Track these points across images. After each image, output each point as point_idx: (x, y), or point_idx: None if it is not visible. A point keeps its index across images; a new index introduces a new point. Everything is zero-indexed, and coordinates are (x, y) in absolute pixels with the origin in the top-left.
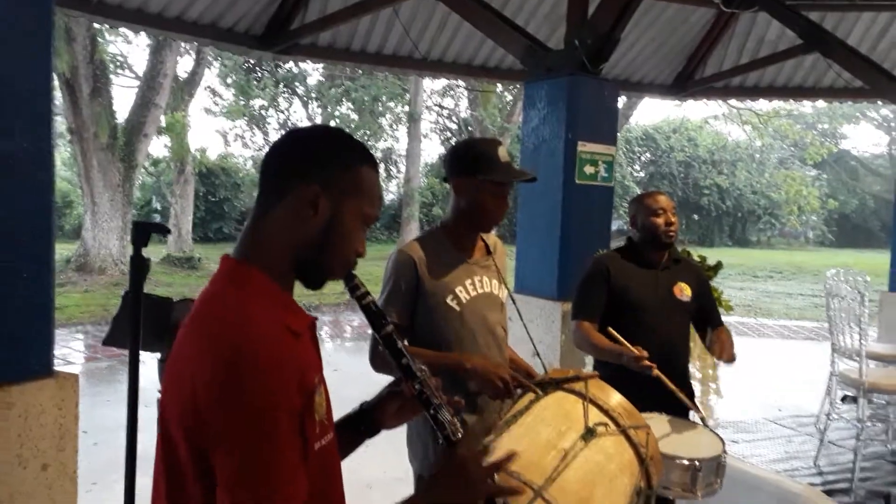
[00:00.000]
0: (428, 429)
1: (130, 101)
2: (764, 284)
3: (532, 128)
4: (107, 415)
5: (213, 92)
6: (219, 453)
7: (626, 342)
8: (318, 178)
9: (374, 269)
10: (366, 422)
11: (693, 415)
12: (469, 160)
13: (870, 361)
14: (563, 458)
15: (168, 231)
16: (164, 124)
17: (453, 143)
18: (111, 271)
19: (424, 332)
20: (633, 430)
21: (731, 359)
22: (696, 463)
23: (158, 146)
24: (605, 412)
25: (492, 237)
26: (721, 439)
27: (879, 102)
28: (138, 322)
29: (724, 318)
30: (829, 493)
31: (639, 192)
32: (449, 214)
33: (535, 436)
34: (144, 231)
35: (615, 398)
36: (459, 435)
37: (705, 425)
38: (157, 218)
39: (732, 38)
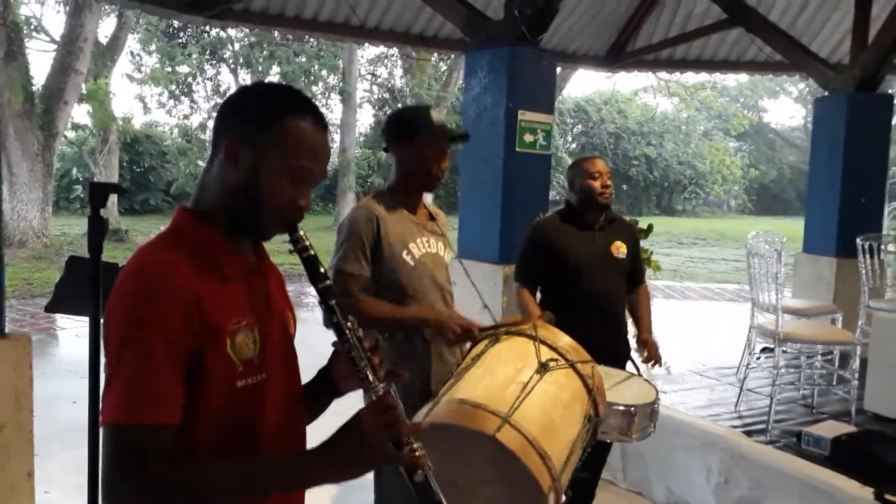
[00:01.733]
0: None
1: (47, 67)
2: (689, 251)
3: (473, 96)
4: (43, 387)
5: (134, 56)
6: (106, 356)
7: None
8: (238, 132)
9: (312, 240)
10: (325, 382)
11: (629, 366)
12: (406, 126)
13: (786, 315)
14: (523, 390)
15: (124, 191)
16: (84, 91)
17: (387, 114)
18: (32, 244)
19: (380, 285)
20: (580, 364)
21: (658, 362)
22: (632, 409)
23: (80, 114)
24: (555, 349)
25: (432, 206)
26: (654, 387)
27: (798, 77)
28: (98, 285)
29: (654, 282)
30: (748, 433)
31: (569, 163)
32: (394, 179)
33: (495, 374)
34: (101, 191)
35: (562, 338)
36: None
37: (639, 375)
38: (79, 190)
39: (662, 11)
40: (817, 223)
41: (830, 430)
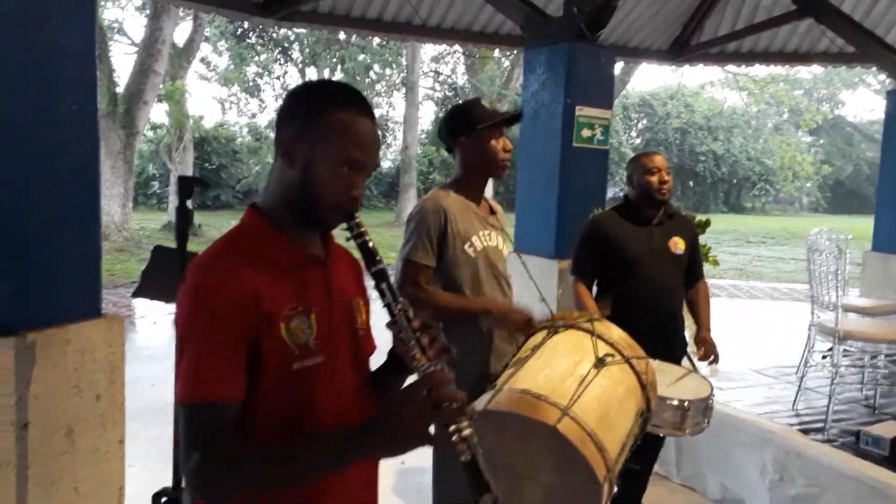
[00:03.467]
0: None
1: (128, 68)
2: (757, 249)
3: (532, 93)
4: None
5: (205, 59)
6: (177, 342)
7: (593, 308)
8: (291, 129)
9: (373, 236)
10: (393, 362)
11: (685, 362)
12: (462, 120)
13: (850, 314)
14: (581, 383)
15: (208, 185)
16: (162, 91)
17: (441, 114)
18: (114, 237)
19: (444, 275)
20: (635, 360)
21: (715, 361)
22: (686, 403)
23: (157, 113)
24: (611, 345)
25: (493, 201)
26: (709, 383)
27: (870, 67)
28: (183, 272)
29: (717, 281)
30: (805, 431)
31: None
32: (458, 173)
33: (554, 366)
34: (188, 184)
35: (617, 333)
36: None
37: (695, 370)
38: (155, 186)
39: (728, 4)
40: (887, 220)
41: (891, 430)
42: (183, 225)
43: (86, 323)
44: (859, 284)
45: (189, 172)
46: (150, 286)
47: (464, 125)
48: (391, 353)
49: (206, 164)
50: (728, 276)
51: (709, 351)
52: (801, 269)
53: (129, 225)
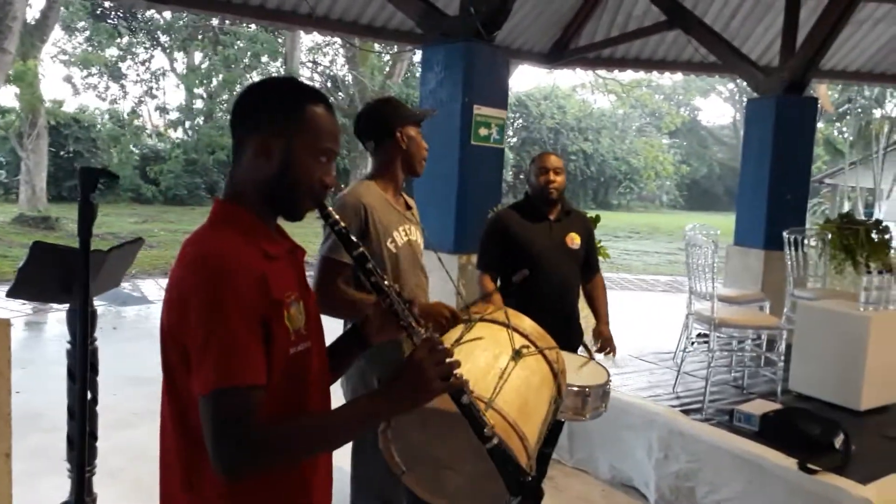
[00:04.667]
0: (364, 360)
1: None
2: (624, 243)
3: (429, 90)
4: None
5: (58, 42)
6: (190, 338)
7: (497, 300)
8: (266, 127)
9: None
10: (356, 338)
11: (581, 350)
12: (382, 119)
13: (718, 303)
14: (501, 376)
15: (117, 177)
16: (12, 73)
17: (358, 112)
18: None
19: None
20: (547, 350)
21: (612, 353)
22: (587, 389)
23: (6, 95)
24: (525, 336)
25: (408, 197)
26: (606, 370)
27: (728, 77)
28: (87, 272)
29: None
30: (686, 412)
31: (512, 157)
32: (376, 170)
33: (475, 360)
34: (92, 176)
35: (529, 324)
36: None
37: (592, 358)
38: (2, 175)
39: (604, 11)
40: (747, 218)
41: (759, 407)
42: (86, 221)
43: None
44: (723, 275)
45: (44, 161)
46: (29, 285)
47: (384, 124)
48: (354, 328)
49: (62, 153)
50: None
51: (606, 344)
52: (664, 262)
53: None
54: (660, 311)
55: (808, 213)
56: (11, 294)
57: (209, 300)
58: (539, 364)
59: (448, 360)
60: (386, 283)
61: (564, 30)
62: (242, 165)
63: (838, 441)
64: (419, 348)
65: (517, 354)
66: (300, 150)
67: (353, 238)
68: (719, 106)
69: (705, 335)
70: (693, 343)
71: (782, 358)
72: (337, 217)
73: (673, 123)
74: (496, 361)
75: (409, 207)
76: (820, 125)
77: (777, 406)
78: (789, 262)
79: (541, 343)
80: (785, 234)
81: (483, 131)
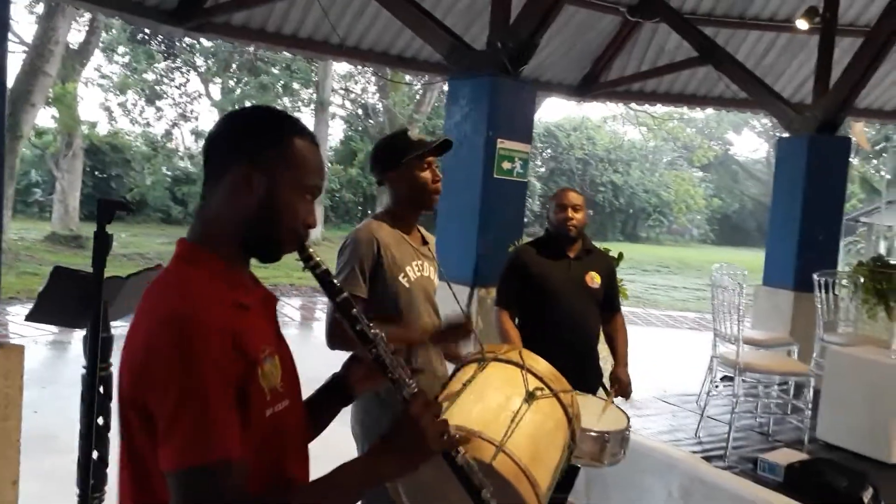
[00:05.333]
0: (374, 401)
1: (14, 68)
2: (652, 277)
3: (454, 123)
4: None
5: (99, 67)
6: (156, 406)
7: (515, 338)
8: (248, 157)
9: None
10: (338, 390)
11: (600, 392)
12: (390, 154)
13: (745, 346)
14: (513, 419)
15: (132, 209)
16: (52, 94)
17: (372, 147)
18: None
19: (380, 304)
20: (562, 393)
21: (626, 396)
22: (605, 435)
23: (44, 116)
24: (540, 378)
25: (424, 230)
26: (626, 415)
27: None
28: (100, 299)
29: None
30: (707, 458)
31: (539, 188)
32: (390, 205)
33: (487, 401)
34: (109, 208)
35: (544, 366)
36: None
37: (612, 401)
38: (38, 193)
39: (635, 45)
40: (777, 258)
41: (784, 457)
42: (101, 252)
43: None
44: (751, 316)
45: (78, 181)
46: (48, 309)
47: (391, 158)
48: (337, 380)
49: (97, 173)
50: (626, 303)
51: (622, 388)
52: (692, 298)
53: (5, 235)
54: (685, 350)
55: (842, 252)
56: (31, 318)
57: (179, 366)
58: (553, 408)
59: (442, 415)
60: (373, 330)
61: (594, 63)
62: (216, 201)
63: (867, 495)
64: (413, 404)
65: (531, 396)
66: (284, 187)
67: (336, 283)
68: (752, 140)
69: (730, 377)
70: (717, 386)
71: (810, 405)
72: (318, 259)
73: (705, 157)
74: (508, 403)
75: (425, 242)
76: (855, 162)
77: (803, 456)
78: (819, 306)
79: (555, 385)
80: (815, 276)
81: (506, 165)
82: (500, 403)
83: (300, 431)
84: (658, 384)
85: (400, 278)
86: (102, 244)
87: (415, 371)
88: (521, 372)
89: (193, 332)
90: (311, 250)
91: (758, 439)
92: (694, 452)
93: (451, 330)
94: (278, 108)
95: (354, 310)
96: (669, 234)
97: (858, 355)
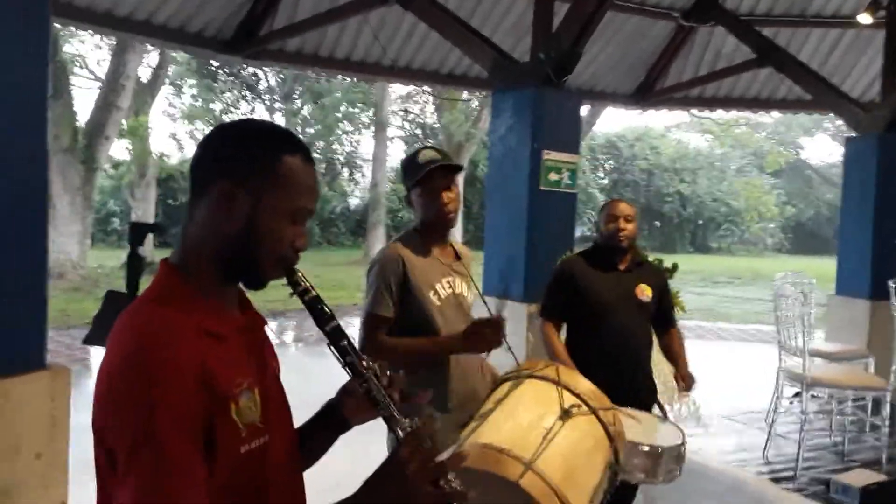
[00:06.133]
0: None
1: (89, 103)
2: (723, 290)
3: (499, 136)
4: (77, 417)
5: (169, 98)
6: (115, 444)
7: (561, 349)
8: (230, 174)
9: (339, 274)
10: (333, 418)
11: (655, 409)
12: (404, 176)
13: (816, 359)
14: (546, 436)
15: (164, 230)
16: (125, 127)
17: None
18: (70, 276)
19: (408, 324)
20: (602, 411)
21: (689, 388)
22: (659, 450)
23: (118, 148)
24: (577, 395)
25: (459, 244)
26: (681, 430)
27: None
28: None
29: (682, 321)
30: (776, 480)
31: (602, 199)
32: (416, 223)
33: (518, 418)
34: (141, 231)
35: (584, 383)
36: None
37: (666, 418)
38: (116, 223)
39: (691, 50)
40: (850, 265)
41: (860, 478)
42: (134, 272)
43: (27, 375)
44: (824, 328)
45: (151, 209)
46: (103, 332)
47: (408, 177)
48: (331, 408)
49: (170, 201)
50: (695, 316)
51: (686, 383)
52: (767, 310)
53: (86, 263)
54: (756, 365)
55: None
56: (87, 341)
57: (138, 402)
58: (592, 426)
59: (435, 458)
60: (364, 363)
61: (649, 70)
62: (198, 219)
63: None
64: (403, 446)
65: (566, 414)
66: (269, 209)
67: (327, 310)
68: (826, 144)
69: (801, 393)
70: (791, 402)
71: (887, 422)
72: (307, 285)
73: (776, 163)
74: (541, 421)
75: (458, 258)
76: None
77: (881, 477)
78: None
79: (594, 403)
80: (891, 283)
81: (553, 176)
82: (531, 421)
83: (286, 466)
84: (727, 401)
85: (430, 295)
86: (136, 266)
87: (408, 397)
88: (557, 389)
89: (153, 369)
90: (299, 274)
91: (832, 459)
92: (761, 474)
93: (480, 325)
94: (276, 123)
95: (344, 341)
96: (742, 244)
97: None
